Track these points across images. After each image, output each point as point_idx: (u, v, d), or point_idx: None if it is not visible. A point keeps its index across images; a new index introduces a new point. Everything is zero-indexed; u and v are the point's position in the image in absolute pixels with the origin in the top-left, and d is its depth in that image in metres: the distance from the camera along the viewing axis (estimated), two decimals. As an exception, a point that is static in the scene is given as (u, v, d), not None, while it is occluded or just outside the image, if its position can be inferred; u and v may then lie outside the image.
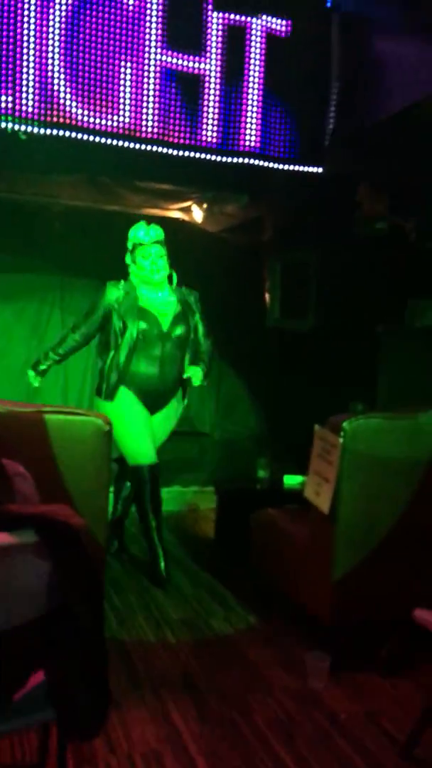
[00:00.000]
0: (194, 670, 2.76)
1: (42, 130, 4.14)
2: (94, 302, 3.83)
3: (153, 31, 4.30)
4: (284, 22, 4.65)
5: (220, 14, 4.45)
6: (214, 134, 4.57)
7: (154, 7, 4.29)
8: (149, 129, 4.40)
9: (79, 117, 4.21)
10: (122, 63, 4.30)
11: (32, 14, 4.06)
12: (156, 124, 4.41)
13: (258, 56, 4.58)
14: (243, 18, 4.51)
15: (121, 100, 4.31)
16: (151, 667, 2.77)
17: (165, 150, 4.48)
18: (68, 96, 4.17)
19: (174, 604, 3.34)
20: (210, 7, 4.45)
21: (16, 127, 4.12)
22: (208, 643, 3.00)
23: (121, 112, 4.32)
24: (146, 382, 3.71)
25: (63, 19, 4.12)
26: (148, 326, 3.67)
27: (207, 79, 4.47)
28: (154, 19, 4.29)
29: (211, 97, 4.50)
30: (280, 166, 4.84)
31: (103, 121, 4.29)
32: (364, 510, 2.75)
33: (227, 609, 3.34)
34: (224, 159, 4.65)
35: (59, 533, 1.63)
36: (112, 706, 2.37)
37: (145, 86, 4.33)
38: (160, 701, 2.52)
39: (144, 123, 4.38)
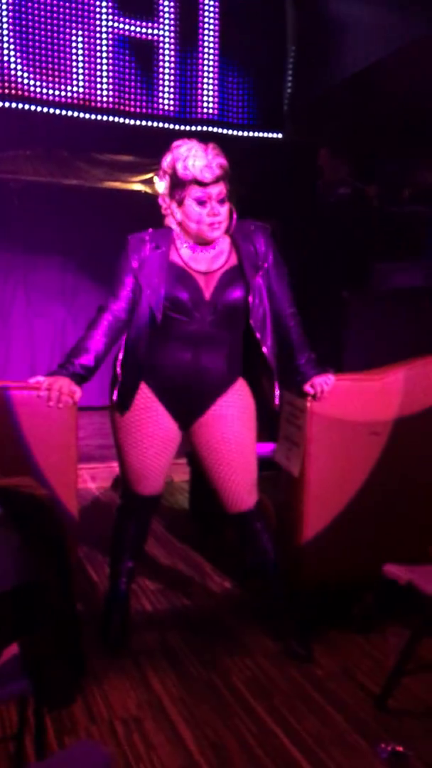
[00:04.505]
0: (172, 637, 2.79)
1: (-6, 103, 4.07)
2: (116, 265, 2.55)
3: (103, -3, 4.22)
4: (237, -16, 4.59)
5: (171, -23, 4.37)
6: (171, 102, 4.51)
7: (104, -28, 4.20)
8: (104, 99, 4.33)
9: (32, 88, 4.13)
10: (73, 31, 4.22)
11: (-22, -17, 3.96)
12: (111, 93, 4.34)
13: (212, 19, 4.51)
14: (195, -20, 4.44)
15: (74, 70, 4.24)
16: (129, 635, 2.79)
17: (122, 120, 4.43)
18: (19, 67, 4.08)
19: (150, 574, 3.36)
20: (160, -30, 4.38)
21: (-33, 100, 4.03)
22: (185, 610, 3.04)
23: (75, 82, 4.25)
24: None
25: (10, -12, 4.02)
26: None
27: (161, 45, 4.41)
28: (104, -16, 4.20)
29: (167, 64, 4.43)
30: (240, 133, 4.80)
31: (57, 92, 4.22)
32: (333, 471, 2.79)
33: (203, 576, 3.37)
34: (182, 127, 4.60)
35: (24, 505, 1.63)
36: (91, 676, 2.40)
37: (98, 55, 4.26)
38: (140, 669, 2.55)
39: (99, 93, 4.31)
